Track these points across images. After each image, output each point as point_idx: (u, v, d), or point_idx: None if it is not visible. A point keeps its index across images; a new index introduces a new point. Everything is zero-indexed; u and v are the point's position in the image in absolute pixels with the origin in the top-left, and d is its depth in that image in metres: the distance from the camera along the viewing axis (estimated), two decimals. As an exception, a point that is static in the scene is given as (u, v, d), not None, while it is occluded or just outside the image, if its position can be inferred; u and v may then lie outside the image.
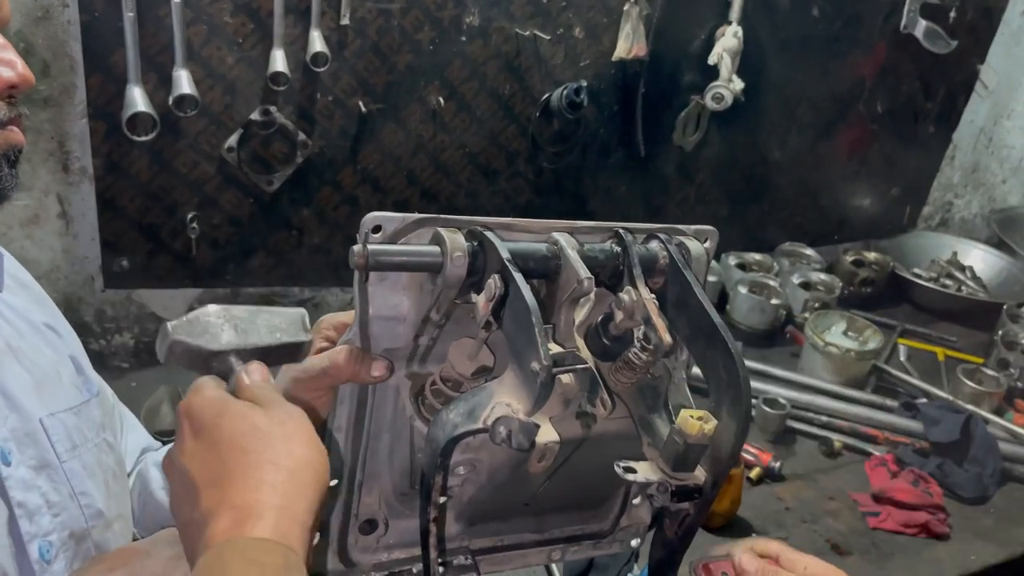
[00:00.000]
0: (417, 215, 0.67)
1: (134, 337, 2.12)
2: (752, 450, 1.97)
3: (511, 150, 2.29)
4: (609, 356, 0.70)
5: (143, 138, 1.83)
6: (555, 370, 0.61)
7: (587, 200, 2.48)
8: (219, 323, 0.67)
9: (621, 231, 0.72)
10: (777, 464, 2.00)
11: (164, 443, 1.18)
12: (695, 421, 0.65)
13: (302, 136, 2.04)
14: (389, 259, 0.66)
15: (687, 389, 0.73)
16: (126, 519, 0.93)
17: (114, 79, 1.79)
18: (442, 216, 0.68)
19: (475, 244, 0.67)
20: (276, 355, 0.69)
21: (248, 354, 0.68)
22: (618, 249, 0.72)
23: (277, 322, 0.69)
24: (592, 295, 0.67)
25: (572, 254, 0.67)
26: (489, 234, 0.67)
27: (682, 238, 0.76)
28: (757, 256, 2.71)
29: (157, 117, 1.82)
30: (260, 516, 0.58)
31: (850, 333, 2.46)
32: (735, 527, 1.85)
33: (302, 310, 0.71)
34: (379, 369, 0.69)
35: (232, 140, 1.97)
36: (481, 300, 0.65)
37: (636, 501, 0.85)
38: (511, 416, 0.62)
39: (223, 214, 2.04)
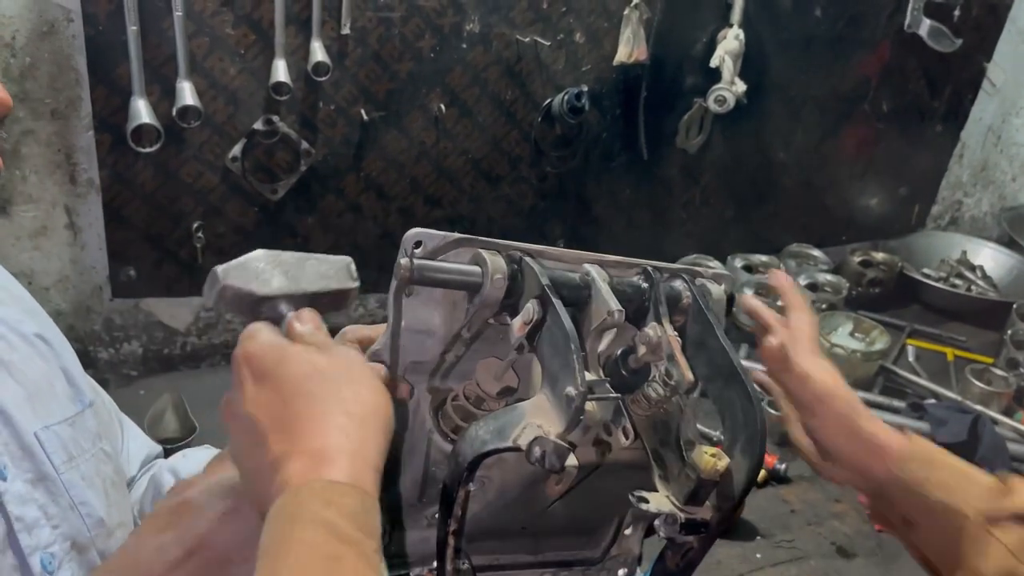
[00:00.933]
0: (457, 235, 0.69)
1: (142, 345, 2.15)
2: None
3: (514, 155, 2.30)
4: (625, 388, 0.72)
5: (148, 149, 1.86)
6: (589, 396, 0.64)
7: (591, 204, 2.49)
8: (269, 268, 0.67)
9: (650, 269, 0.75)
10: (783, 466, 2.00)
11: (168, 451, 1.19)
12: (709, 458, 0.67)
13: (305, 145, 2.06)
14: (433, 275, 0.67)
15: (697, 427, 0.75)
16: (127, 526, 0.93)
17: (119, 91, 1.82)
18: (481, 238, 0.70)
19: (515, 267, 0.69)
20: (324, 302, 0.69)
21: (298, 300, 0.68)
22: (645, 285, 0.75)
23: (324, 269, 0.69)
24: (615, 329, 0.70)
25: (604, 286, 0.70)
26: (528, 259, 0.70)
27: (704, 281, 0.79)
28: (763, 258, 2.69)
29: (161, 128, 1.84)
30: (333, 461, 0.58)
31: (857, 334, 2.45)
32: (739, 530, 1.85)
33: (348, 258, 0.71)
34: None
35: (236, 150, 1.99)
36: (518, 323, 0.67)
37: (628, 531, 0.87)
38: (546, 437, 0.64)
39: (228, 223, 2.06)
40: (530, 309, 0.67)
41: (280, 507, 0.56)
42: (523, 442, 0.64)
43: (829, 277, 2.68)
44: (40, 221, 1.93)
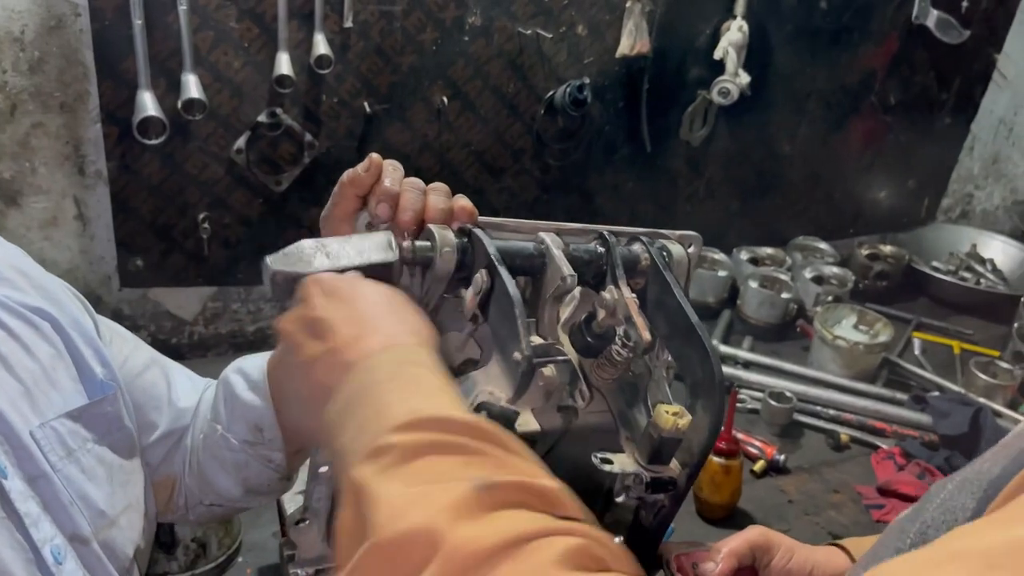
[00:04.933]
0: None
1: (151, 334, 2.19)
2: (757, 443, 1.96)
3: (516, 148, 2.31)
4: (592, 353, 0.73)
5: (154, 141, 1.89)
6: (536, 360, 0.65)
7: (594, 196, 2.49)
8: (312, 252, 0.70)
9: (606, 233, 0.76)
10: (782, 457, 2.00)
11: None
12: (669, 416, 0.68)
13: (309, 137, 2.08)
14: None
15: (667, 387, 0.76)
16: (136, 507, 0.91)
17: (125, 84, 1.85)
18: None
19: (464, 240, 0.70)
20: (366, 275, 0.71)
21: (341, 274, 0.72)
22: (602, 250, 0.75)
23: (365, 245, 0.72)
24: (577, 294, 0.71)
25: (557, 252, 0.71)
26: (478, 231, 0.70)
27: (665, 242, 0.79)
28: (769, 250, 2.66)
29: (167, 121, 1.88)
30: (405, 343, 0.60)
31: (861, 327, 2.44)
32: (735, 519, 1.85)
33: (388, 233, 0.74)
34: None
35: (240, 142, 2.02)
36: (469, 294, 0.68)
37: (620, 499, 0.89)
38: (492, 402, 0.65)
39: (233, 214, 2.09)
40: (479, 279, 0.67)
41: (359, 370, 0.58)
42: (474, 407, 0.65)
43: (835, 270, 2.67)
44: (50, 212, 1.97)
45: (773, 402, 2.04)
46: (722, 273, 2.48)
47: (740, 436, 1.92)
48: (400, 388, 0.56)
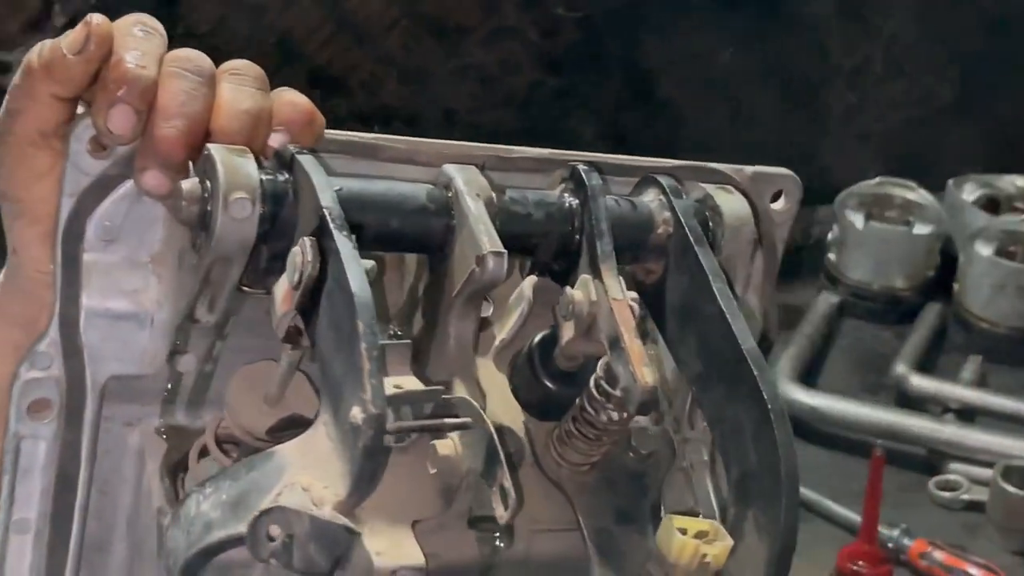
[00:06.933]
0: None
1: None
2: (975, 572, 1.50)
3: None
4: (551, 409, 0.51)
5: None
6: (396, 425, 0.43)
7: (654, 81, 1.80)
8: None
9: (582, 168, 0.52)
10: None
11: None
12: (688, 540, 0.48)
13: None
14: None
15: (708, 484, 0.54)
16: None
17: None
18: None
19: (280, 178, 0.47)
20: None
21: None
22: (574, 202, 0.52)
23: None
24: (526, 291, 0.52)
25: (472, 206, 0.49)
26: (306, 159, 0.47)
27: (712, 189, 0.55)
28: (1020, 181, 2.01)
29: None
30: None
31: None
32: None
33: None
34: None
35: None
36: (282, 286, 0.46)
37: None
38: (301, 509, 0.44)
39: None
40: (298, 257, 0.44)
41: None
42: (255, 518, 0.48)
43: None
44: None
45: (1012, 488, 1.56)
46: (923, 229, 1.93)
47: (941, 556, 1.49)
48: None
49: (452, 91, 1.61)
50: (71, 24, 0.66)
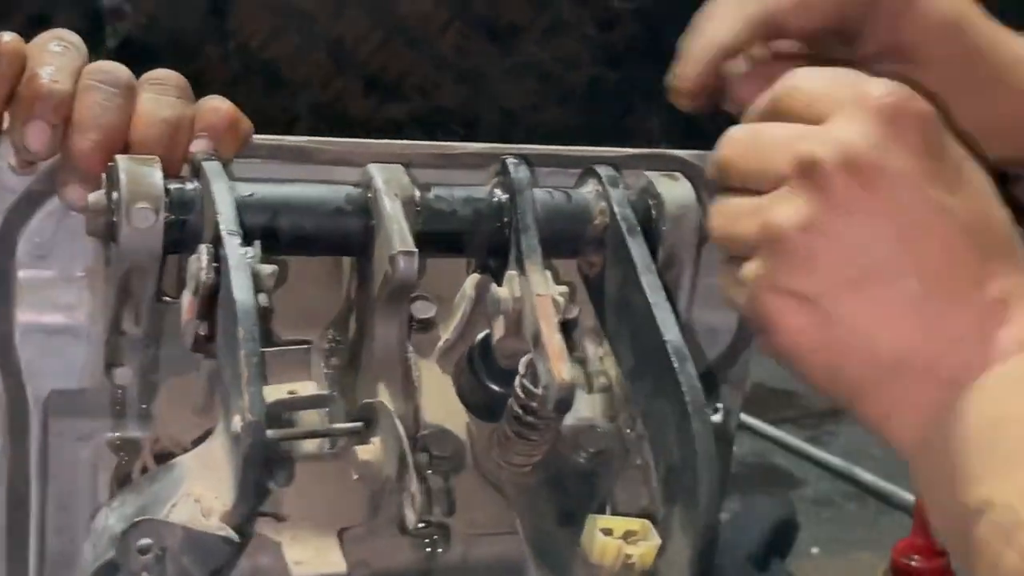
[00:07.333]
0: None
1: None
2: None
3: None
4: (497, 410, 0.51)
5: None
6: (277, 433, 0.43)
7: None
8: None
9: (510, 160, 0.52)
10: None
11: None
12: (611, 541, 0.47)
13: None
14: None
15: (656, 482, 0.51)
16: None
17: None
18: None
19: (190, 186, 0.48)
20: None
21: None
22: (504, 197, 0.52)
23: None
24: (470, 292, 0.52)
25: (390, 206, 0.49)
26: (210, 165, 0.47)
27: (656, 175, 0.53)
28: None
29: None
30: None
31: None
32: None
33: None
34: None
35: None
36: (186, 295, 0.47)
37: None
38: (190, 525, 0.43)
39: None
40: (194, 265, 0.45)
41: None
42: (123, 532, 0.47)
43: None
44: None
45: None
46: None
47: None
48: None
49: (509, 91, 1.52)
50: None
